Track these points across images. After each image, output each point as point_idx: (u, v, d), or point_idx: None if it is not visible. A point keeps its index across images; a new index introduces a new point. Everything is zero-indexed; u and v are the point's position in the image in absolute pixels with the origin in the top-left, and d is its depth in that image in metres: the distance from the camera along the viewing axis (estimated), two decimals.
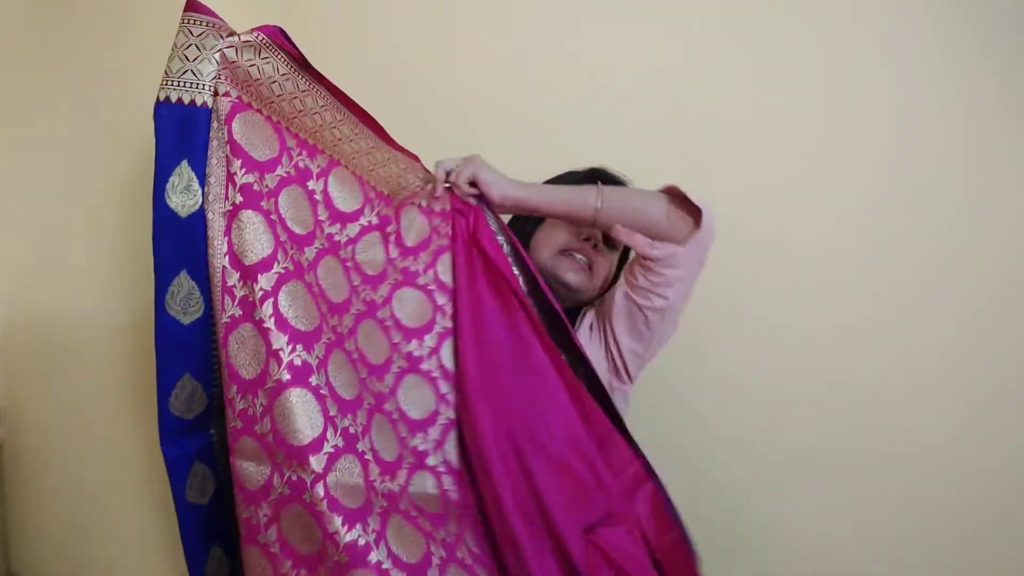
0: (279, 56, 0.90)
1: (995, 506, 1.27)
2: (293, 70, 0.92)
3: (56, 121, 1.33)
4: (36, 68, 1.33)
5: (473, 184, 1.02)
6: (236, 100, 0.86)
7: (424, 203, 1.05)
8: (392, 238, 1.03)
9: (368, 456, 0.86)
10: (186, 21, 0.86)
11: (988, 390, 1.27)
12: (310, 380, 0.84)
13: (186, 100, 0.84)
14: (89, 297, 1.34)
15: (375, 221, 1.02)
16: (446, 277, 1.03)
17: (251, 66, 0.88)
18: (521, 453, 0.91)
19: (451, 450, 0.96)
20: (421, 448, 0.94)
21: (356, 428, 0.86)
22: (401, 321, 1.00)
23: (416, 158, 1.08)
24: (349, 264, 0.97)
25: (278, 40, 0.90)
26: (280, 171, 0.91)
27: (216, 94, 0.86)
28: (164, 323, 0.88)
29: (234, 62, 0.87)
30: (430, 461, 0.94)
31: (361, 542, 0.83)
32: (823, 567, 1.30)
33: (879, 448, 1.29)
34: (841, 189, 1.28)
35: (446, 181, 1.04)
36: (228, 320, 0.86)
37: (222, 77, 0.86)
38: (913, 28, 1.25)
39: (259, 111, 0.89)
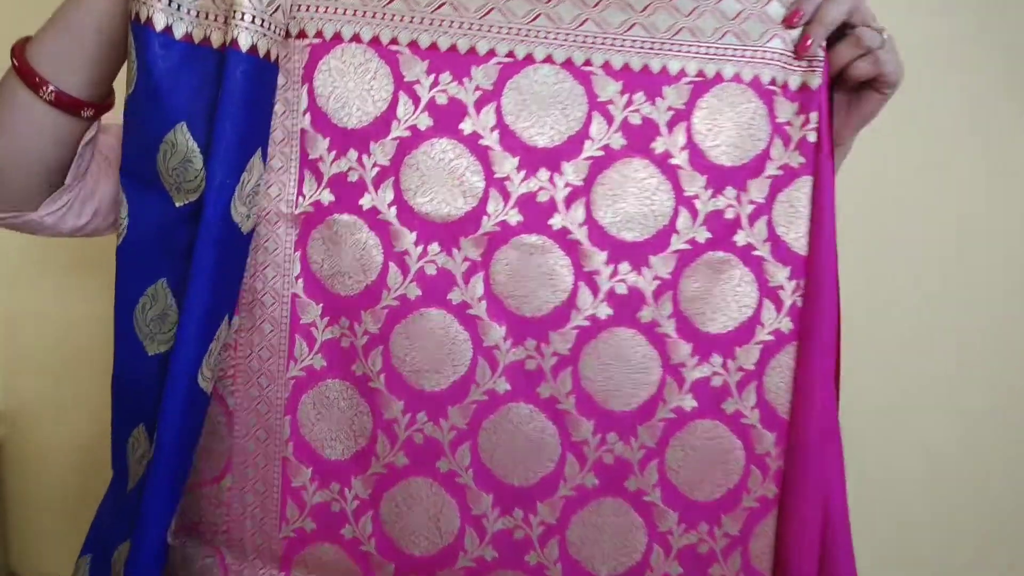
0: None
1: None
2: None
3: None
4: None
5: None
6: (316, 38, 0.55)
7: (764, 72, 0.57)
8: (678, 155, 0.57)
9: (553, 573, 0.59)
10: None
11: None
12: (437, 465, 0.59)
13: (262, 50, 0.53)
14: (90, 296, 1.26)
15: (621, 143, 0.57)
16: (793, 233, 0.57)
17: None
18: None
19: (760, 551, 0.60)
20: (703, 551, 0.59)
21: (531, 531, 0.59)
22: (694, 322, 0.58)
23: None
24: (575, 235, 0.57)
25: None
26: (398, 129, 0.56)
27: (288, 35, 0.57)
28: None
29: None
30: (713, 572, 0.60)
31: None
32: None
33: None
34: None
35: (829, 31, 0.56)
36: (302, 374, 0.58)
37: (308, 4, 0.55)
38: None
39: (355, 38, 0.55)
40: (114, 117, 0.61)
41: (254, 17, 0.52)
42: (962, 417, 1.13)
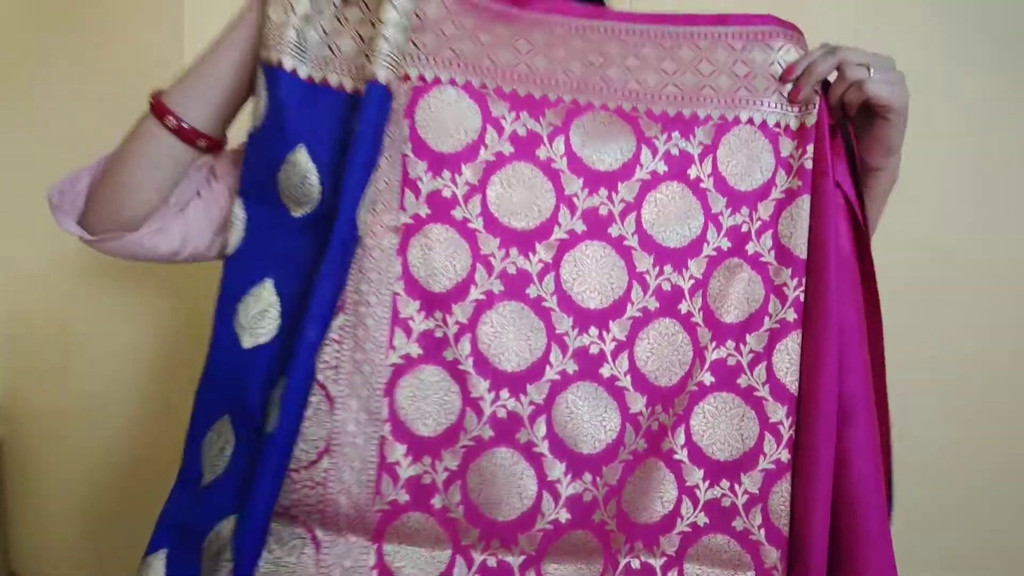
0: None
1: None
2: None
3: (59, 119, 1.26)
4: (38, 67, 1.23)
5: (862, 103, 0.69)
6: (419, 81, 0.68)
7: (770, 117, 0.72)
8: (707, 180, 0.72)
9: (611, 527, 0.69)
10: None
11: None
12: (517, 437, 0.68)
13: (391, 85, 0.65)
14: (91, 294, 1.29)
15: (663, 169, 0.71)
16: (794, 241, 0.71)
17: (444, 20, 0.69)
18: None
19: (778, 508, 0.70)
20: (726, 504, 0.70)
21: (598, 492, 0.69)
22: (716, 313, 0.71)
23: (774, 21, 0.73)
24: (629, 242, 0.70)
25: None
26: (485, 154, 0.69)
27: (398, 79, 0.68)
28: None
29: (422, 21, 0.68)
30: (736, 525, 0.70)
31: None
32: None
33: None
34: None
35: (821, 84, 0.71)
36: (400, 361, 0.67)
37: (413, 55, 0.68)
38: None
39: (451, 82, 0.68)
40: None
41: (388, 58, 0.65)
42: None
